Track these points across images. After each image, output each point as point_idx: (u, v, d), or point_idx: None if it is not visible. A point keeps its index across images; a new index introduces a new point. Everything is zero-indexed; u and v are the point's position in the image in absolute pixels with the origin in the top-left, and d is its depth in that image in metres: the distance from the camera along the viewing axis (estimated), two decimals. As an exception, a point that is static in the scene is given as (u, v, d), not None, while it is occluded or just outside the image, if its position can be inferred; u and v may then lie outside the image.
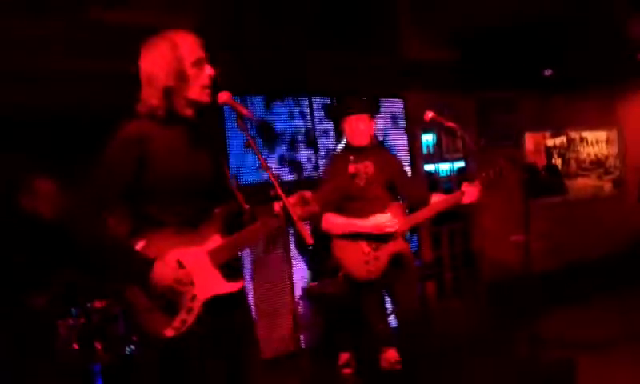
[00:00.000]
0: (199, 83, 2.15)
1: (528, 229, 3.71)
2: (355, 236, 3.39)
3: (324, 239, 3.47)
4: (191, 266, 2.11)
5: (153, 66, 2.12)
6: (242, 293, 2.25)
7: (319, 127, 5.22)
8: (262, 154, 2.22)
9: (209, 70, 2.16)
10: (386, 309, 3.87)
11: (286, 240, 4.82)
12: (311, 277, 4.99)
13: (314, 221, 3.12)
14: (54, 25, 3.96)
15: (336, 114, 3.66)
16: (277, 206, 2.18)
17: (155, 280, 2.02)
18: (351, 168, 2.75)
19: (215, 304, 2.14)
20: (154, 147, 2.09)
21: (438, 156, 6.01)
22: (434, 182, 5.88)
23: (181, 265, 2.10)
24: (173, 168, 2.10)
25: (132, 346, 3.33)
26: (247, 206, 2.10)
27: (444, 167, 6.06)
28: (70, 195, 3.48)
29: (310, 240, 2.04)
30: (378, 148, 3.68)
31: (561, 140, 7.40)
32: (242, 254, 2.38)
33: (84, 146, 4.08)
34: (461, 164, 6.15)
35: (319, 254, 4.86)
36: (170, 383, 2.13)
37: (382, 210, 3.39)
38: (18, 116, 3.91)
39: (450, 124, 3.47)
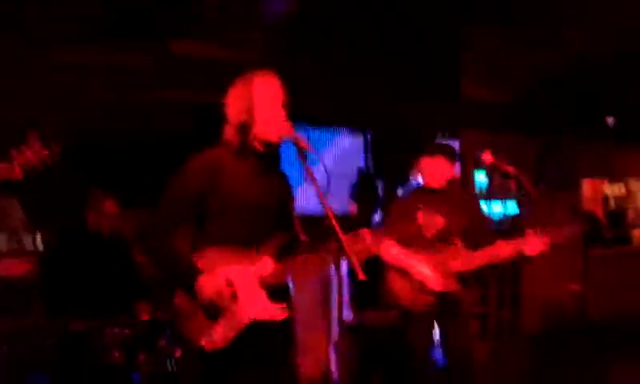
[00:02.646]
0: (267, 123, 2.27)
1: (585, 278, 3.57)
2: None
3: (373, 272, 3.42)
4: (239, 284, 2.20)
5: (230, 103, 2.31)
6: (287, 321, 2.27)
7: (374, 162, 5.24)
8: (319, 187, 2.21)
9: (278, 112, 2.27)
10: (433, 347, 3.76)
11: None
12: (353, 308, 4.94)
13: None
14: (138, 58, 4.19)
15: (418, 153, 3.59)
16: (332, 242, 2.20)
17: (199, 289, 2.16)
18: (420, 217, 2.75)
19: (257, 327, 2.20)
20: (224, 175, 2.25)
21: (489, 195, 5.91)
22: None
23: (229, 282, 2.19)
24: (237, 196, 2.25)
25: (173, 360, 3.37)
26: (305, 238, 2.13)
27: (497, 209, 5.95)
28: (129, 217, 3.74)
29: (362, 276, 2.02)
30: (454, 193, 3.56)
31: (619, 189, 7.17)
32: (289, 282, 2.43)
33: (155, 170, 4.33)
34: (514, 207, 6.01)
35: (365, 286, 4.82)
36: None
37: (439, 250, 3.32)
38: (101, 142, 4.17)
39: (508, 168, 3.38)
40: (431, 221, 2.87)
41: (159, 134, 4.42)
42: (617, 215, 7.14)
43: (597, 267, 6.23)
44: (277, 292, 2.25)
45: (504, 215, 5.98)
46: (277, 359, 2.32)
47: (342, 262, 2.19)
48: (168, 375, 3.39)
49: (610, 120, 6.12)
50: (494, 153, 3.41)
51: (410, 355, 3.44)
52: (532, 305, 5.98)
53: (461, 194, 3.69)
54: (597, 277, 6.06)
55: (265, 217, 2.29)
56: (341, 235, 2.09)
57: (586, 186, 6.90)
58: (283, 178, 2.38)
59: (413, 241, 3.27)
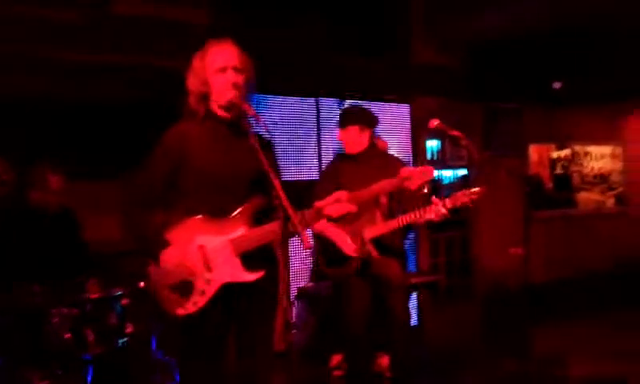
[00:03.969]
0: (221, 89, 2.33)
1: (527, 241, 3.69)
2: None
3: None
4: (212, 252, 2.28)
5: (189, 74, 2.39)
6: (263, 283, 2.32)
7: (325, 128, 5.21)
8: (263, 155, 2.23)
9: (230, 77, 2.32)
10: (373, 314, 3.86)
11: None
12: (309, 277, 4.98)
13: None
14: (77, 17, 3.99)
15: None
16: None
17: (163, 261, 2.26)
18: (402, 172, 2.89)
19: (231, 290, 2.29)
20: (193, 145, 2.33)
21: (441, 162, 6.00)
22: (436, 188, 5.85)
23: (203, 250, 2.27)
24: (207, 163, 2.32)
25: (124, 338, 3.33)
26: (277, 203, 2.14)
27: (447, 174, 6.05)
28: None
29: (307, 244, 2.05)
30: (375, 155, 3.65)
31: (565, 153, 7.38)
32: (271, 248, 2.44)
33: (99, 139, 4.18)
34: (464, 171, 6.13)
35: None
36: (185, 356, 2.39)
37: (359, 218, 3.42)
38: (38, 105, 3.96)
39: (455, 133, 3.44)
40: (416, 173, 2.93)
41: (96, 98, 4.20)
42: (563, 179, 7.36)
43: (541, 230, 6.47)
44: (254, 257, 2.30)
45: (453, 179, 6.08)
46: (252, 320, 2.39)
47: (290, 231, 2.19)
48: (119, 353, 3.35)
49: (557, 84, 6.25)
50: (442, 119, 3.46)
51: (344, 320, 3.58)
52: (480, 270, 6.16)
53: (384, 157, 3.76)
54: (541, 239, 6.28)
55: (237, 183, 2.34)
56: (287, 204, 2.10)
57: (533, 151, 7.07)
58: (257, 142, 2.31)
59: None
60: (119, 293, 3.37)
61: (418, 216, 3.34)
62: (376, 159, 3.59)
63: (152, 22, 4.32)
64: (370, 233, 3.46)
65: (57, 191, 3.59)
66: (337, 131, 3.69)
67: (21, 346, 3.21)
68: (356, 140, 3.59)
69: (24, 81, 3.98)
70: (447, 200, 3.28)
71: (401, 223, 3.42)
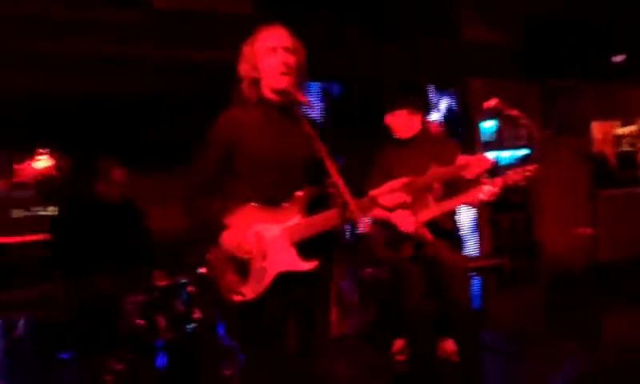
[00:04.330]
0: (273, 71, 2.31)
1: (594, 221, 3.56)
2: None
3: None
4: (268, 240, 2.28)
5: (240, 61, 2.38)
6: (319, 272, 2.30)
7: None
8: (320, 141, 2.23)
9: (281, 57, 2.30)
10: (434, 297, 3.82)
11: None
12: (367, 263, 4.99)
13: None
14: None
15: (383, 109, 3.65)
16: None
17: (223, 243, 2.28)
18: (459, 159, 2.85)
19: (288, 279, 2.27)
20: (245, 130, 2.32)
21: (498, 143, 5.86)
22: (494, 170, 5.72)
23: (260, 238, 2.28)
24: (260, 148, 2.30)
25: (192, 324, 3.45)
26: (332, 191, 2.15)
27: (505, 155, 5.90)
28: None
29: (365, 229, 2.06)
30: (428, 140, 3.60)
31: (630, 129, 7.07)
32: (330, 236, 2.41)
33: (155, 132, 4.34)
34: (524, 152, 5.96)
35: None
36: (245, 342, 2.42)
37: (412, 203, 3.37)
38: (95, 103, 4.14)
39: (513, 112, 3.35)
40: (473, 161, 2.91)
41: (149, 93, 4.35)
42: (628, 156, 7.07)
43: (607, 209, 6.23)
44: (309, 245, 2.28)
45: (513, 160, 5.93)
46: (311, 308, 2.39)
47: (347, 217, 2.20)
48: (187, 338, 3.47)
49: (618, 58, 5.99)
50: (500, 98, 3.38)
51: (402, 306, 3.52)
52: (545, 251, 6.00)
53: (438, 141, 3.67)
54: (607, 218, 6.04)
55: (291, 167, 2.32)
56: (344, 190, 2.10)
57: (596, 128, 6.81)
58: (312, 128, 2.29)
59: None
60: (184, 281, 3.49)
61: (469, 198, 3.29)
62: (429, 144, 3.50)
63: (202, 16, 4.42)
64: (423, 216, 3.41)
65: (120, 183, 3.76)
66: (385, 116, 3.61)
67: (95, 332, 3.38)
68: (405, 124, 3.51)
69: (88, 78, 4.19)
70: (498, 179, 3.21)
71: (453, 206, 3.37)
